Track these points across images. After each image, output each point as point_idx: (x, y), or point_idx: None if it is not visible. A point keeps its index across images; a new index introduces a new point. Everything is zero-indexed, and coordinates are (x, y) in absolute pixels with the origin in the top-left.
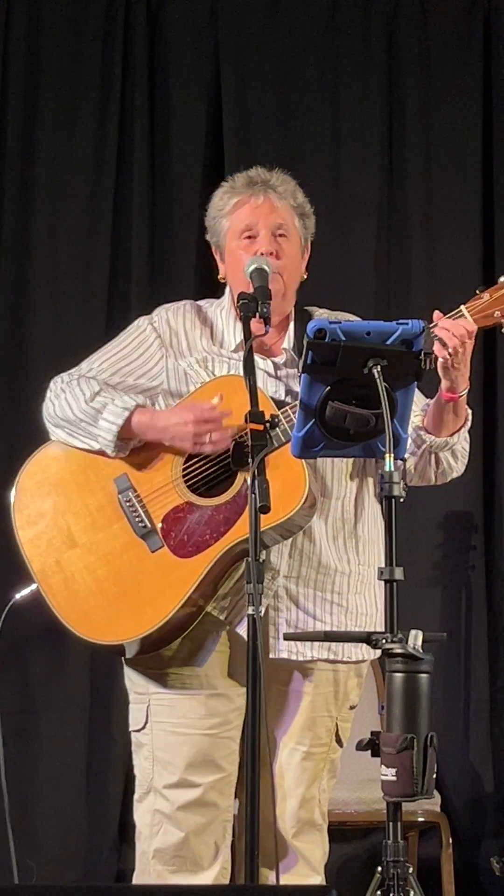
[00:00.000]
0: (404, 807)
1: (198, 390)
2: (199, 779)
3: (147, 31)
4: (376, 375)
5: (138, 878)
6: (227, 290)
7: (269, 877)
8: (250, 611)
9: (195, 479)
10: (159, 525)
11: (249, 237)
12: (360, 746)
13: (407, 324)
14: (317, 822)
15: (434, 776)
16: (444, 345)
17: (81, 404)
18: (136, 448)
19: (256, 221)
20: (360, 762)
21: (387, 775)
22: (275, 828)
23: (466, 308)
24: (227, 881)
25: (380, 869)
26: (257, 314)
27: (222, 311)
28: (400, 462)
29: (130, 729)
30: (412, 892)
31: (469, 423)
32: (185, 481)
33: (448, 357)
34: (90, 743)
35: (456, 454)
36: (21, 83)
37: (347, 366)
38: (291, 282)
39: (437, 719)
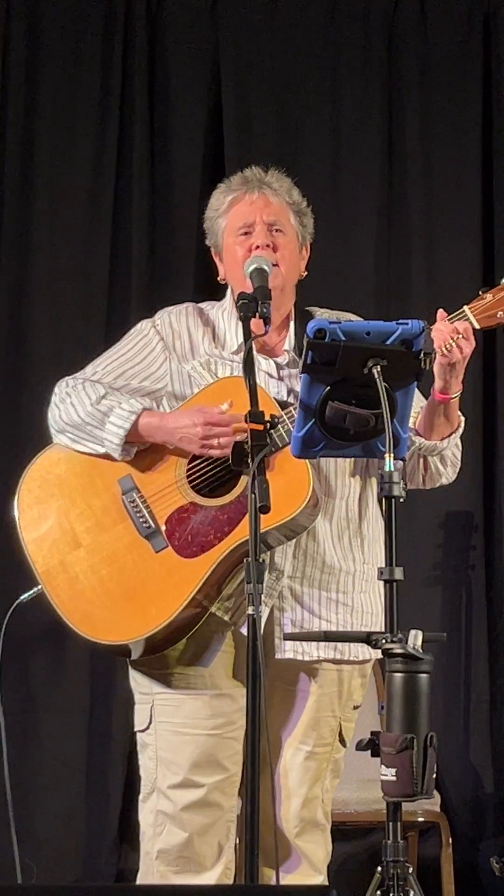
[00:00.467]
0: (404, 807)
1: (201, 392)
2: (202, 779)
3: (147, 31)
4: (376, 375)
5: (142, 879)
6: (228, 291)
7: (271, 876)
8: (250, 611)
9: (199, 480)
10: (163, 525)
11: (246, 233)
12: (360, 746)
13: (407, 324)
14: (320, 821)
15: (434, 776)
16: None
17: (87, 407)
18: (141, 449)
19: (252, 217)
20: (361, 762)
21: (387, 775)
22: (275, 827)
23: (469, 308)
24: (230, 881)
25: (380, 869)
26: (257, 314)
27: (223, 313)
28: (400, 462)
29: (135, 729)
30: (412, 892)
31: (461, 430)
32: (189, 482)
33: (439, 357)
34: (90, 743)
35: (445, 460)
36: (21, 83)
37: (347, 366)
38: (290, 275)
39: (437, 719)
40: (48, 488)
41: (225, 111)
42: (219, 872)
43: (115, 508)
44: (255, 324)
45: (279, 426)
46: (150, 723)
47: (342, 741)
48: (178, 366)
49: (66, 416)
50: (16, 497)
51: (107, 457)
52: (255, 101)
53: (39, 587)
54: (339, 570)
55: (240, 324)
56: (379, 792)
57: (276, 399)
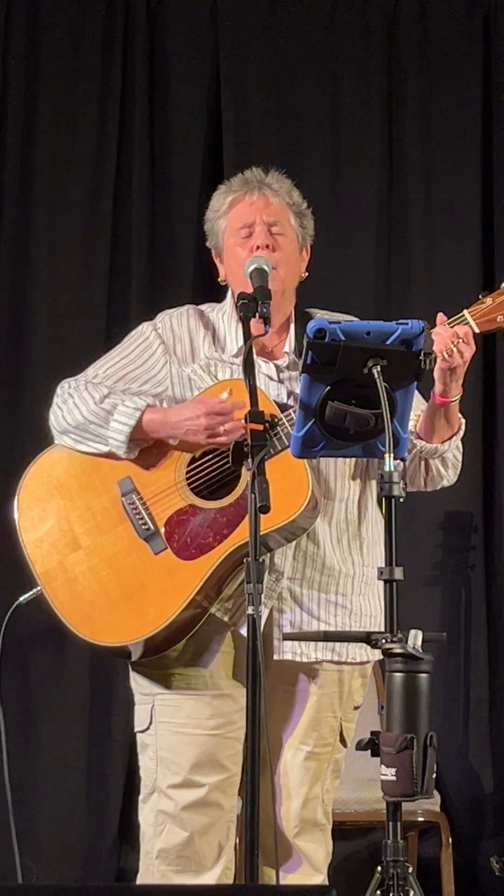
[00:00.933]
0: (404, 806)
1: (201, 394)
2: (203, 779)
3: (147, 31)
4: (376, 375)
5: (142, 879)
6: (229, 293)
7: (272, 876)
8: (250, 611)
9: (199, 482)
10: (162, 528)
11: (247, 234)
12: (360, 746)
13: (407, 324)
14: (320, 821)
15: (434, 776)
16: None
17: (91, 406)
18: (141, 451)
19: (252, 218)
20: (361, 762)
21: (386, 775)
22: (275, 827)
23: (469, 312)
24: (230, 881)
25: (380, 868)
26: (257, 314)
27: (224, 316)
28: (399, 462)
29: (135, 730)
30: (412, 892)
31: (462, 432)
32: (189, 484)
33: (440, 361)
34: (90, 743)
35: (446, 462)
36: (21, 83)
37: (347, 366)
38: (290, 276)
39: (437, 719)
40: (48, 490)
41: (224, 111)
42: (219, 872)
43: (114, 510)
44: (255, 324)
45: (278, 428)
46: (150, 723)
47: (343, 741)
48: (178, 369)
49: (69, 416)
50: (16, 498)
51: (108, 458)
52: (255, 102)
53: (39, 588)
54: (339, 573)
55: (240, 326)
56: (379, 792)
57: (275, 402)
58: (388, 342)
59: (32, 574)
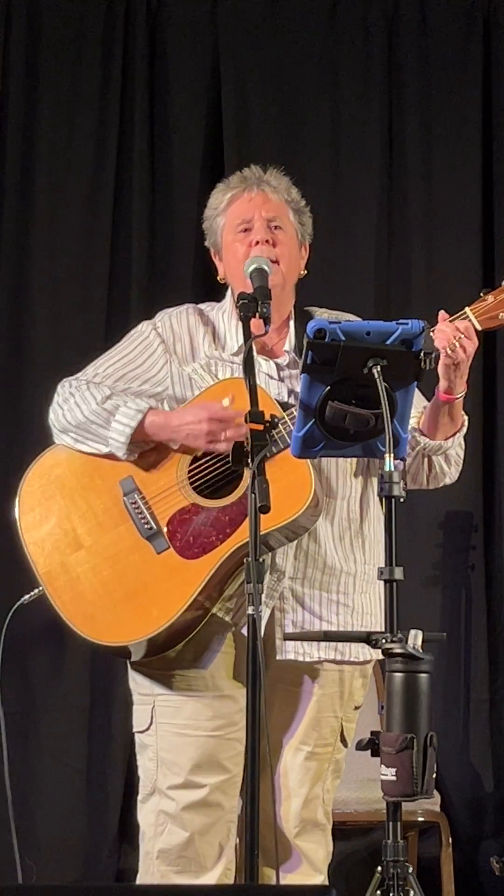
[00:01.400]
0: (404, 806)
1: (202, 394)
2: (204, 780)
3: (147, 31)
4: (376, 375)
5: (142, 879)
6: (228, 292)
7: (272, 876)
8: (250, 611)
9: (201, 481)
10: (165, 527)
11: (245, 230)
12: (360, 746)
13: (407, 324)
14: (320, 821)
15: (434, 776)
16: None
17: (92, 406)
18: (143, 451)
19: (251, 214)
20: (361, 762)
21: (386, 775)
22: (275, 827)
23: (471, 310)
24: (230, 881)
25: (380, 868)
26: (257, 314)
27: (223, 315)
28: (399, 462)
29: (134, 730)
30: (412, 892)
31: (465, 429)
32: (191, 483)
33: (444, 357)
34: (90, 743)
35: (450, 459)
36: (21, 83)
37: (347, 366)
38: (290, 272)
39: (437, 719)
40: (49, 489)
41: (225, 111)
42: (219, 872)
43: (116, 510)
44: (255, 324)
45: (280, 427)
46: (150, 724)
47: (343, 741)
48: (178, 368)
49: (69, 415)
50: (17, 498)
51: (109, 458)
52: (255, 101)
53: (41, 588)
54: (341, 571)
55: (240, 325)
56: (379, 792)
57: (276, 400)
58: (388, 342)
59: (34, 574)
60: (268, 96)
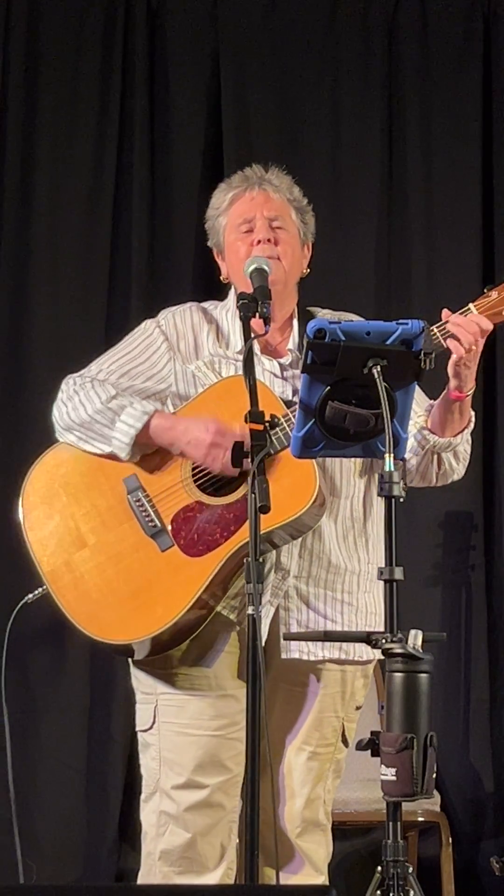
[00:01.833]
0: (404, 806)
1: (206, 391)
2: (206, 780)
3: (147, 31)
4: (376, 375)
5: (143, 879)
6: (231, 291)
7: (272, 877)
8: (250, 610)
9: (204, 479)
10: (169, 524)
11: (247, 229)
12: (360, 746)
13: (407, 324)
14: (321, 822)
15: (434, 776)
16: (460, 342)
17: (97, 405)
18: (144, 454)
19: (253, 213)
20: (361, 762)
21: (387, 775)
22: (276, 827)
23: (475, 306)
24: (232, 882)
25: (380, 868)
26: (257, 314)
27: (227, 313)
28: (400, 462)
29: (137, 729)
30: (412, 892)
31: (472, 425)
32: (195, 481)
33: (464, 354)
34: (90, 743)
35: (458, 455)
36: (21, 83)
37: (347, 366)
38: (292, 270)
39: (437, 719)
40: (53, 488)
41: (225, 111)
42: (221, 873)
43: (120, 508)
44: (256, 324)
45: (285, 424)
46: (153, 723)
47: (345, 741)
48: (182, 366)
49: (73, 413)
50: (20, 497)
51: (112, 456)
52: (255, 101)
53: (45, 587)
54: (345, 570)
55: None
56: (379, 792)
57: (280, 399)
58: (388, 342)
59: (38, 573)
60: (268, 96)
